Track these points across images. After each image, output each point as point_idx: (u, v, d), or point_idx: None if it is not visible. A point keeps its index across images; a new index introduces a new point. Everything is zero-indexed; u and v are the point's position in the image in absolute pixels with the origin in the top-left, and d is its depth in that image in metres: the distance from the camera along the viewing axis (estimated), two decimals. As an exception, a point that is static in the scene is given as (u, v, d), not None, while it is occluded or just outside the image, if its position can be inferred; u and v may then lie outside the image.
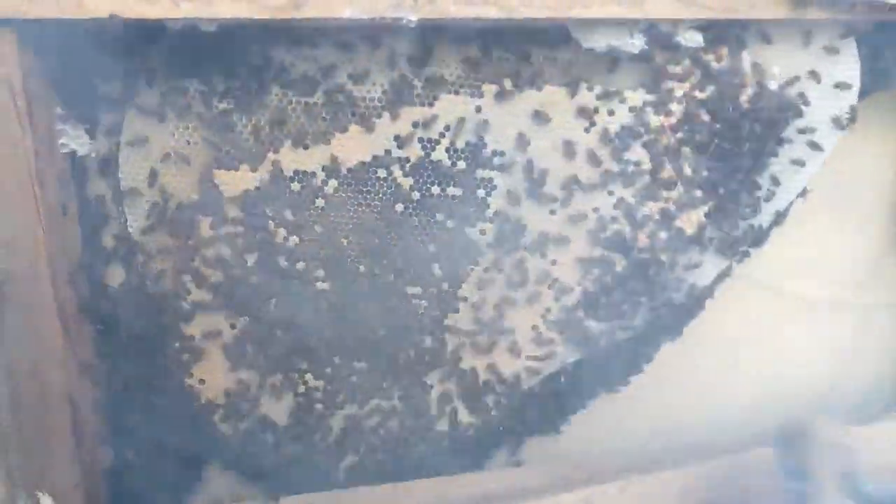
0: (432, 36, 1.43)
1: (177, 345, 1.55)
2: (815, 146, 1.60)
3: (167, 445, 1.60)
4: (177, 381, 1.58)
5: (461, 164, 1.52)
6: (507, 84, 1.48)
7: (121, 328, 1.52)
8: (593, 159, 1.54)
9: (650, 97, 1.52)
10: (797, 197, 1.66)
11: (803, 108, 1.56)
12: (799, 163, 1.61)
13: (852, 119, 1.59)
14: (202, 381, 1.59)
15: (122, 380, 1.55)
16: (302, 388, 1.62)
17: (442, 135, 1.50)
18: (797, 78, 1.55)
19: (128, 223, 1.49)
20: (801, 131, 1.58)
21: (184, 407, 1.59)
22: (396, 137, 1.49)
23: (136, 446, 1.60)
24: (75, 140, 1.41)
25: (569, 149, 1.53)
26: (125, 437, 1.58)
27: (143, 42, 1.37)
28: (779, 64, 1.54)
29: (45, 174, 1.34)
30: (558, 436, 1.80)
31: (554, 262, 1.60)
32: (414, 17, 1.32)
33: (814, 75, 1.55)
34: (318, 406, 1.64)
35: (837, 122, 1.59)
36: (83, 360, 1.47)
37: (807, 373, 1.92)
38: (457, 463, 1.72)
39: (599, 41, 1.44)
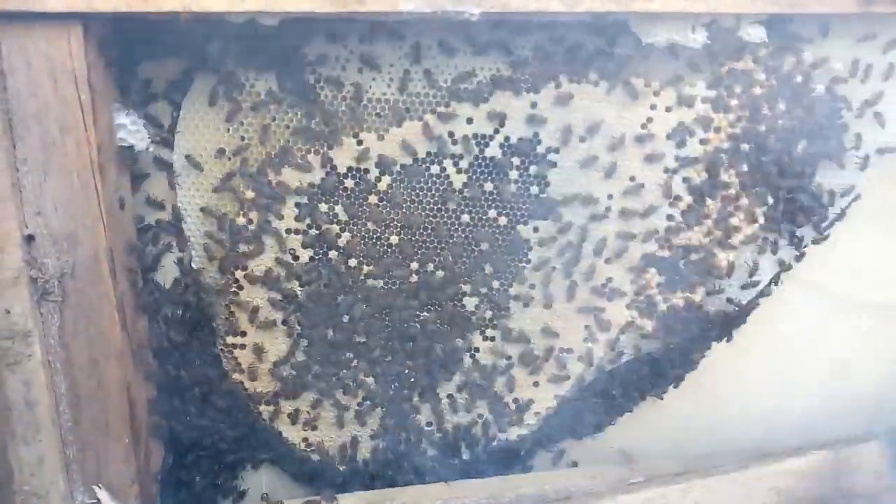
0: (489, 30, 1.42)
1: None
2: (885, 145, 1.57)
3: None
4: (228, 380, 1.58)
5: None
6: (564, 80, 1.47)
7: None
8: (650, 157, 1.52)
9: (709, 93, 1.50)
10: (856, 197, 1.63)
11: (872, 104, 1.53)
12: (863, 160, 1.58)
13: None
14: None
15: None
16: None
17: (496, 130, 1.49)
18: (862, 73, 1.52)
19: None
20: (867, 126, 1.55)
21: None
22: (450, 133, 1.48)
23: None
24: (134, 135, 1.42)
25: (624, 146, 1.51)
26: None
27: (204, 36, 1.37)
28: (842, 59, 1.51)
29: (105, 168, 1.34)
30: (614, 436, 1.78)
31: (608, 261, 1.58)
32: (476, 11, 1.31)
33: (883, 71, 1.52)
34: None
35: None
36: (141, 355, 1.47)
37: (861, 376, 1.89)
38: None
39: (660, 36, 1.42)
